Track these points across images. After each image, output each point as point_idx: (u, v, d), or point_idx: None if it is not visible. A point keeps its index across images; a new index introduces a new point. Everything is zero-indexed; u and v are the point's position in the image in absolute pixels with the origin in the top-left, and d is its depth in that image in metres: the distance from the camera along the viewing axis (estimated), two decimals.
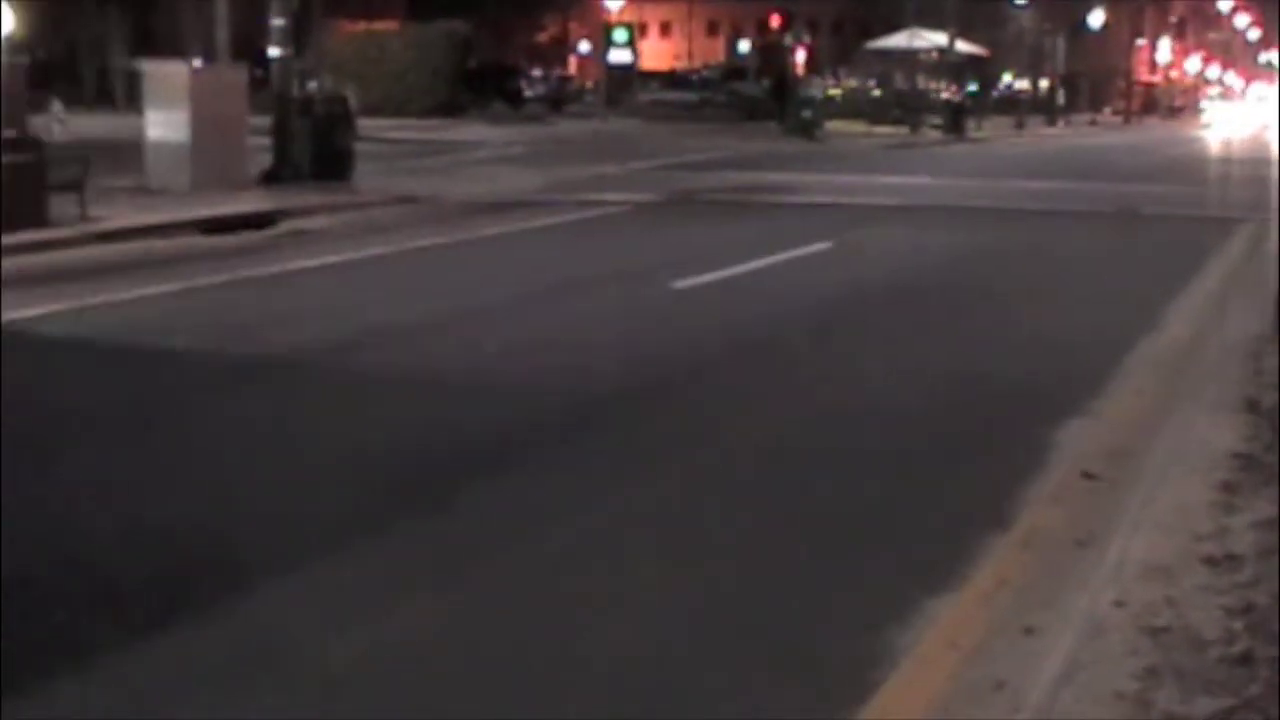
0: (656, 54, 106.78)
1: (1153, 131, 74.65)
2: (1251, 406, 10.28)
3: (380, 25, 67.06)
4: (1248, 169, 39.70)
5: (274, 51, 28.50)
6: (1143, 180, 36.03)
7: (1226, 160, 47.70)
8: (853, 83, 79.69)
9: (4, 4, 28.19)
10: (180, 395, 11.30)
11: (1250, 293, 16.02)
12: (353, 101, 29.90)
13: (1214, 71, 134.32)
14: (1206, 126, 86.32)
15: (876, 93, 76.15)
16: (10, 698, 5.71)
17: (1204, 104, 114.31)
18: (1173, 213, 26.94)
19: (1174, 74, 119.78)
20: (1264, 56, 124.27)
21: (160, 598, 6.88)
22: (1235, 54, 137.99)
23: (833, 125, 58.72)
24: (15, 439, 9.42)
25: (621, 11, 79.61)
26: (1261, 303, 14.89)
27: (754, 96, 71.31)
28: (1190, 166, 44.56)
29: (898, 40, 72.24)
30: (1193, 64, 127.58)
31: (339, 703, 5.87)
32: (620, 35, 78.66)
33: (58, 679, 5.91)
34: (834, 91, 58.19)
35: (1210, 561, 7.03)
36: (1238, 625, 6.22)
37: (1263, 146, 50.08)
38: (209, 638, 6.42)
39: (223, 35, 28.92)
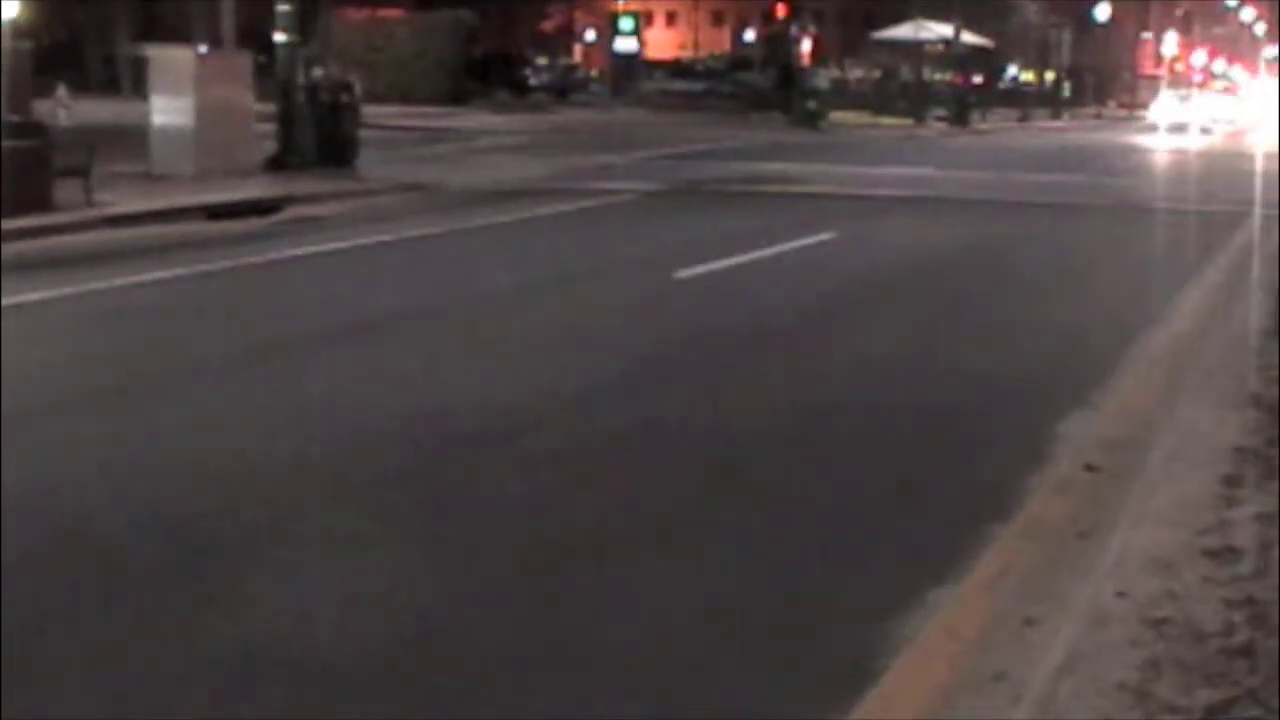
0: (662, 43, 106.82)
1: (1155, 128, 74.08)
2: (1254, 400, 10.27)
3: (386, 13, 67.08)
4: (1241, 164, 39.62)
5: (279, 38, 28.46)
6: (1144, 174, 36.02)
7: (1227, 155, 47.58)
8: (857, 74, 79.73)
9: None
10: (179, 378, 11.31)
11: (1253, 286, 16.01)
12: (358, 89, 29.88)
13: (1219, 66, 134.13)
14: (1151, 130, 67.44)
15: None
16: None
17: (1163, 99, 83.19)
18: (1175, 206, 26.92)
19: (1179, 68, 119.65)
20: (1269, 52, 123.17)
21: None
22: (1242, 49, 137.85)
23: (838, 116, 58.69)
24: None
25: (627, 0, 79.57)
26: (1264, 296, 14.91)
27: (759, 87, 71.31)
28: (1190, 162, 44.51)
29: (903, 31, 72.22)
30: (1199, 58, 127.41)
31: None
32: (626, 24, 78.62)
33: None
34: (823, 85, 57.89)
35: (1212, 554, 7.03)
36: (1238, 617, 6.22)
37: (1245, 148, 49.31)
38: None
39: (228, 21, 28.97)
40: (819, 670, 6.12)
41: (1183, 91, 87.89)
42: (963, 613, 6.65)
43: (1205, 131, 65.31)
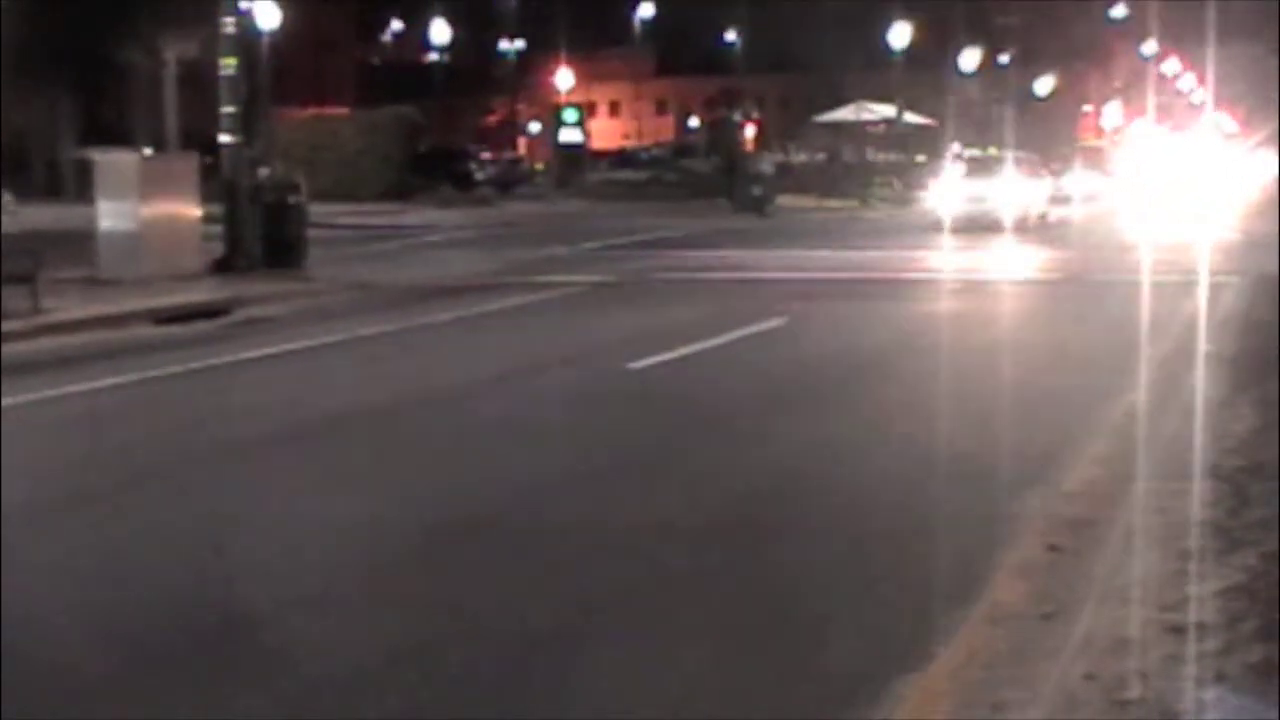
0: (606, 133, 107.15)
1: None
2: (1213, 472, 10.27)
3: (330, 111, 67.17)
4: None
5: (224, 139, 28.45)
6: (1094, 246, 36.21)
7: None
8: (801, 157, 79.97)
9: None
10: (130, 486, 11.22)
11: (1207, 355, 16.03)
12: (303, 188, 29.85)
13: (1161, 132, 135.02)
14: (924, 231, 41.36)
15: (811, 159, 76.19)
16: None
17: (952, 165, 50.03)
18: (1126, 278, 26.99)
19: (1119, 137, 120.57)
20: (1207, 117, 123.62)
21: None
22: (1179, 116, 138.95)
23: (784, 200, 58.80)
24: None
25: (570, 91, 79.90)
26: (1217, 365, 14.95)
27: (704, 173, 71.50)
28: (1131, 228, 44.60)
29: (845, 113, 72.57)
30: (1139, 127, 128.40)
31: None
32: (569, 115, 78.85)
33: None
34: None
35: (1178, 631, 7.00)
36: (1208, 695, 6.18)
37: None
38: None
39: (172, 124, 29.01)
40: None
41: (983, 155, 53.48)
42: (931, 699, 6.60)
43: (1031, 224, 43.99)
